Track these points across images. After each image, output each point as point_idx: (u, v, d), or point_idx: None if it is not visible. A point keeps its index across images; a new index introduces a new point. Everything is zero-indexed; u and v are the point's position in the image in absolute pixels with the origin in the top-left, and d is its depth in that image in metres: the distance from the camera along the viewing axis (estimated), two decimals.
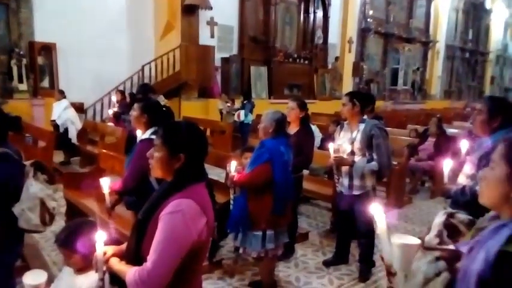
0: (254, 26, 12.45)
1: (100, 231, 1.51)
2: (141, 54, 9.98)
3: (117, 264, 1.52)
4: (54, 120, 7.15)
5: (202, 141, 1.61)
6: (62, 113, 7.14)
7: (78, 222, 2.04)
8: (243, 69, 12.14)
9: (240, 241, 2.98)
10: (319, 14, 14.22)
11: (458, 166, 2.75)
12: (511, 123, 2.51)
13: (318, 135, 5.83)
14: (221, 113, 9.63)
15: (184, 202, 1.45)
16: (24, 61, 8.44)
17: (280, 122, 2.98)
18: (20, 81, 8.42)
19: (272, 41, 12.67)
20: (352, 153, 3.30)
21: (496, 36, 25.68)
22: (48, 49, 8.88)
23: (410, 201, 5.93)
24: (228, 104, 9.49)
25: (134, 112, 2.97)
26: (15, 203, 2.27)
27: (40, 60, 8.84)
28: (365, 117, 3.38)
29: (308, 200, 5.47)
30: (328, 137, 5.54)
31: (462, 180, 2.57)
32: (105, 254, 1.53)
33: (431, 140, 6.48)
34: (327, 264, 3.75)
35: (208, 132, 9.10)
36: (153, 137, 1.65)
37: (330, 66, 15.21)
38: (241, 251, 3.05)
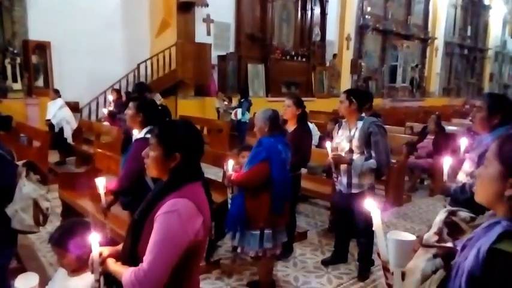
0: (251, 23, 12.40)
1: (95, 232, 1.49)
2: (136, 52, 9.92)
3: (113, 265, 1.50)
4: (49, 120, 7.11)
5: (198, 140, 1.59)
6: (57, 112, 7.10)
7: (72, 222, 2.02)
8: (240, 67, 12.09)
9: (238, 241, 2.96)
10: (317, 10, 14.18)
11: (458, 164, 2.73)
12: (510, 120, 2.49)
13: (316, 133, 5.79)
14: (218, 111, 9.59)
15: (180, 202, 1.43)
16: (18, 60, 8.37)
17: (273, 119, 2.96)
18: (14, 80, 8.35)
19: (269, 39, 12.63)
20: (351, 151, 3.28)
21: (494, 32, 25.70)
22: (42, 48, 8.80)
23: (409, 199, 5.91)
24: (225, 103, 9.44)
25: (129, 111, 2.94)
26: (8, 203, 2.24)
27: (34, 59, 8.76)
28: (363, 114, 3.35)
29: (306, 198, 5.44)
30: (326, 135, 5.51)
31: (462, 178, 2.55)
32: (101, 255, 1.51)
33: (430, 138, 6.46)
34: (326, 263, 3.73)
35: (205, 131, 9.08)
36: (148, 136, 1.63)
37: (327, 63, 15.18)
38: (239, 250, 3.04)
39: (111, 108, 7.49)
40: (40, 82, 8.92)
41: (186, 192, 1.47)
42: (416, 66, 19.61)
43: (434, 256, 1.11)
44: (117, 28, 9.92)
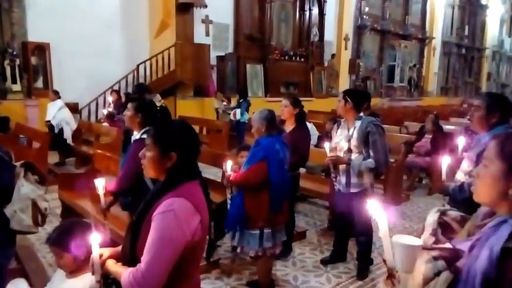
0: (249, 23, 12.40)
1: (95, 233, 1.50)
2: (135, 53, 9.91)
3: (113, 266, 1.51)
4: (49, 121, 7.11)
5: (193, 140, 1.59)
6: (56, 113, 7.10)
7: (70, 222, 2.02)
8: (239, 68, 12.09)
9: (238, 240, 2.97)
10: (315, 11, 14.18)
11: (456, 163, 2.74)
12: (508, 119, 2.51)
13: (314, 133, 5.80)
14: (217, 111, 9.60)
15: (176, 201, 1.43)
16: (18, 61, 8.35)
17: (270, 119, 2.97)
18: (14, 81, 8.34)
19: (268, 39, 12.63)
20: (349, 150, 3.29)
21: (492, 32, 25.73)
22: (41, 49, 8.79)
23: (407, 198, 5.92)
24: (224, 103, 9.45)
25: (128, 112, 2.94)
26: (7, 204, 2.25)
27: (33, 60, 8.75)
28: (361, 114, 3.36)
29: (305, 198, 5.45)
30: (325, 134, 5.53)
31: (460, 177, 2.56)
32: (101, 256, 1.52)
33: (428, 137, 6.47)
34: (325, 262, 3.74)
35: (204, 131, 9.09)
36: (145, 136, 1.63)
37: (326, 63, 15.18)
38: (238, 250, 3.04)
39: (110, 109, 7.50)
40: (39, 83, 8.90)
41: (183, 191, 1.48)
42: (414, 65, 19.63)
43: (435, 258, 1.09)
44: (116, 29, 9.92)
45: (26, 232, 2.43)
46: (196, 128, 8.80)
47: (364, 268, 3.54)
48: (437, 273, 1.07)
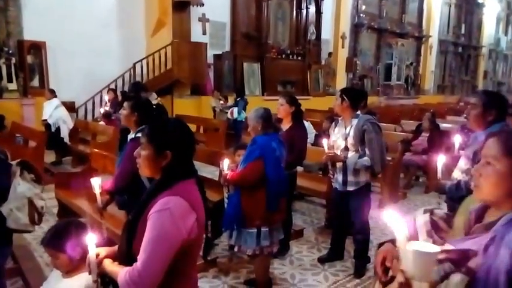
0: (246, 22, 12.38)
1: (91, 233, 1.49)
2: (132, 51, 9.88)
3: (110, 266, 1.50)
4: (46, 120, 7.07)
5: (188, 138, 1.58)
6: (53, 112, 7.07)
7: (64, 223, 2.01)
8: (236, 66, 12.08)
9: (235, 239, 2.97)
10: (312, 9, 14.16)
11: (452, 161, 2.75)
12: (505, 117, 2.51)
13: (311, 131, 5.81)
14: (214, 110, 9.59)
15: (172, 200, 1.43)
16: (13, 60, 8.29)
17: (266, 118, 2.97)
18: (10, 80, 8.29)
19: (265, 37, 12.61)
20: (346, 148, 3.30)
21: (488, 30, 25.80)
22: (37, 48, 8.74)
23: (404, 196, 5.95)
24: (221, 102, 9.44)
25: (124, 111, 2.93)
26: (3, 203, 2.24)
27: (29, 59, 8.70)
28: (358, 112, 3.37)
29: (303, 196, 5.46)
30: (322, 133, 5.53)
31: (457, 175, 2.57)
32: (98, 255, 1.51)
33: (425, 135, 6.49)
34: (322, 260, 3.75)
35: (201, 130, 9.08)
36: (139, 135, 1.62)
37: (323, 62, 15.19)
38: (236, 249, 3.04)
39: (107, 108, 7.48)
40: (35, 82, 8.85)
41: (178, 190, 1.47)
42: (411, 64, 19.68)
43: (440, 261, 1.05)
44: (112, 27, 9.88)
45: (22, 231, 2.43)
46: (193, 127, 8.78)
47: (361, 266, 3.54)
48: (445, 277, 1.04)
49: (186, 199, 1.46)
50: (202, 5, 10.57)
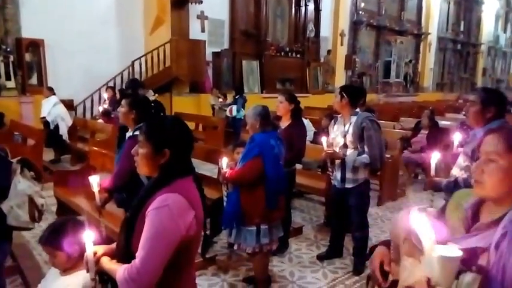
0: (245, 19, 12.36)
1: (88, 231, 1.48)
2: (130, 49, 9.84)
3: (108, 264, 1.49)
4: (44, 117, 7.05)
5: (187, 136, 1.58)
6: (51, 109, 7.05)
7: (62, 221, 2.01)
8: (235, 64, 12.06)
9: (235, 237, 2.96)
10: (311, 6, 14.15)
11: (452, 158, 2.74)
12: (504, 114, 2.51)
13: (310, 129, 5.80)
14: (213, 108, 9.59)
15: (170, 197, 1.43)
16: (12, 58, 8.28)
17: (264, 115, 2.97)
18: (8, 78, 8.28)
19: (264, 35, 12.59)
20: (345, 146, 3.30)
21: (487, 27, 25.79)
22: (35, 45, 8.71)
23: (403, 194, 5.94)
24: (220, 100, 9.43)
25: (122, 108, 2.92)
26: (3, 200, 2.24)
27: (28, 57, 8.67)
28: (357, 110, 3.37)
29: (302, 194, 5.46)
30: (321, 130, 5.53)
31: (456, 172, 2.56)
32: (95, 253, 1.50)
33: (424, 133, 6.49)
34: (321, 258, 3.75)
35: (200, 128, 9.07)
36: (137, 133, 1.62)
37: (322, 59, 15.18)
38: (235, 247, 3.04)
39: (105, 106, 7.46)
40: (34, 80, 8.83)
41: (177, 187, 1.47)
42: (410, 61, 19.67)
43: None
44: (111, 25, 9.85)
45: (23, 228, 2.43)
46: (192, 125, 8.78)
47: (360, 263, 3.54)
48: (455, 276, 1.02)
49: (184, 196, 1.46)
50: (201, 2, 10.55)
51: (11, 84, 8.34)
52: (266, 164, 2.81)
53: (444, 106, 13.24)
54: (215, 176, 4.20)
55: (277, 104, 3.68)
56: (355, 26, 16.62)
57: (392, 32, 18.41)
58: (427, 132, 6.43)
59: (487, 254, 1.05)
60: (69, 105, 8.43)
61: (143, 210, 1.45)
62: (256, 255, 3.02)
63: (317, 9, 14.43)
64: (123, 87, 8.35)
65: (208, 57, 11.29)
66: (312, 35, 14.38)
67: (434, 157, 2.55)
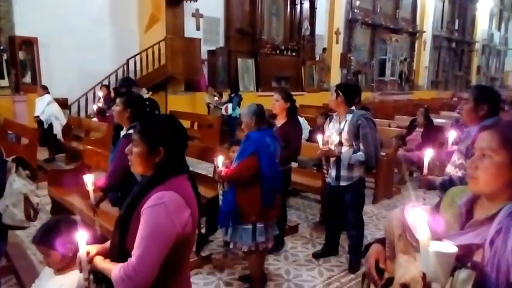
0: (240, 17, 12.33)
1: (81, 230, 1.47)
2: (125, 47, 9.79)
3: (101, 263, 1.48)
4: (38, 116, 7.00)
5: (181, 134, 1.58)
6: (45, 108, 7.00)
7: (55, 220, 2.00)
8: (230, 62, 12.03)
9: (230, 236, 2.96)
10: (306, 5, 14.14)
11: (446, 156, 2.74)
12: (497, 112, 2.52)
13: (306, 127, 5.81)
14: (208, 106, 9.56)
15: (166, 194, 1.42)
16: (5, 56, 8.19)
17: (259, 113, 2.97)
18: (1, 77, 8.18)
19: (259, 33, 12.56)
20: (340, 144, 3.30)
21: (481, 26, 25.94)
22: (29, 44, 8.62)
23: (398, 192, 5.96)
24: (216, 98, 9.41)
25: (117, 107, 2.91)
26: None
27: (21, 55, 8.58)
28: (353, 108, 3.37)
29: (297, 192, 5.46)
30: (316, 129, 5.53)
31: (450, 170, 2.56)
32: (88, 253, 1.49)
33: (419, 131, 6.51)
34: (317, 256, 3.76)
35: (195, 126, 9.05)
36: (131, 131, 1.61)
37: (317, 57, 15.19)
38: (231, 245, 3.03)
39: (100, 105, 7.42)
40: (28, 78, 8.74)
41: (172, 185, 1.46)
42: (405, 59, 19.74)
43: None
44: (105, 23, 9.78)
45: (18, 227, 2.42)
46: (188, 123, 8.76)
47: (355, 261, 3.55)
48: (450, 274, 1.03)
49: (180, 194, 1.45)
50: (196, 0, 10.50)
51: (5, 82, 8.25)
52: (262, 162, 2.81)
53: (439, 104, 13.30)
54: (211, 175, 4.20)
55: (274, 102, 3.68)
56: (350, 24, 16.63)
57: (388, 30, 18.47)
58: (422, 130, 6.45)
59: (481, 250, 1.05)
60: (63, 103, 8.38)
61: (138, 209, 1.44)
62: (252, 253, 3.02)
63: (312, 8, 14.42)
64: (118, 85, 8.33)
65: (204, 55, 11.24)
66: (307, 33, 14.37)
67: (427, 155, 2.56)
